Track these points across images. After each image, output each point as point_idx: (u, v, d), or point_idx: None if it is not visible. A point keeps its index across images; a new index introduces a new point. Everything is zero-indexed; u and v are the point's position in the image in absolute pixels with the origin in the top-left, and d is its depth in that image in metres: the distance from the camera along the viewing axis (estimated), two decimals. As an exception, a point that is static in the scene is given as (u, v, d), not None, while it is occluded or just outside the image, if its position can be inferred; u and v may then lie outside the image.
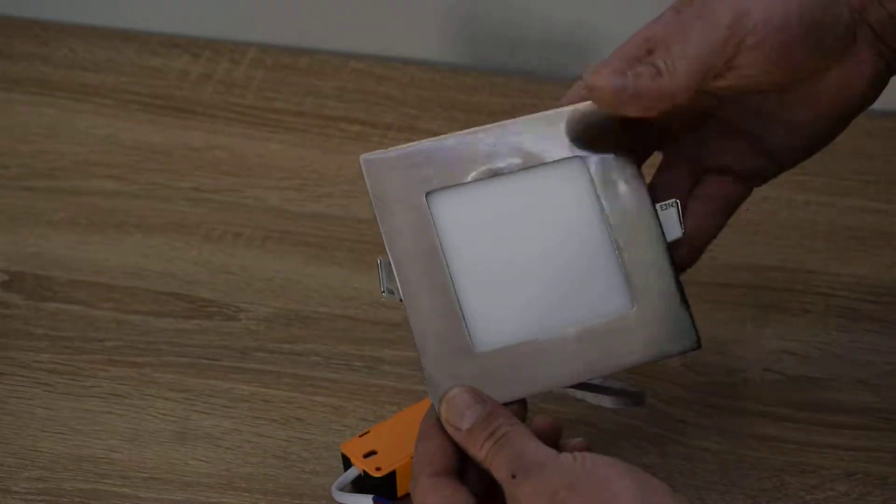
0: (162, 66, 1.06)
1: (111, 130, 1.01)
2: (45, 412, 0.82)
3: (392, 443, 0.78)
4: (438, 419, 0.67)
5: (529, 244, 0.71)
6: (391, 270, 0.71)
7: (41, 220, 0.94)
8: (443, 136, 0.73)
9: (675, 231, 0.73)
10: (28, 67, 1.06)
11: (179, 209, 0.95)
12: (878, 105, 1.05)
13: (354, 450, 0.78)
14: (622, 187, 0.73)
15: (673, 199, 0.74)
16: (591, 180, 0.73)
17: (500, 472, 0.64)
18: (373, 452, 0.77)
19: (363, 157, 0.71)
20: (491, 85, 1.06)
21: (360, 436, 0.78)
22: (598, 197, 0.73)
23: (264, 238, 0.93)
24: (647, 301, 0.72)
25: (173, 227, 0.94)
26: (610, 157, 0.73)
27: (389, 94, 1.05)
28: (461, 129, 1.02)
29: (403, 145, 0.72)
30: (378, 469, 0.76)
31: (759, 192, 0.97)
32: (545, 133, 0.73)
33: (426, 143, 0.72)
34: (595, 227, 0.72)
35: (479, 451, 0.65)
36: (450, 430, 0.66)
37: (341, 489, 0.77)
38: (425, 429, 0.67)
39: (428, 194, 0.71)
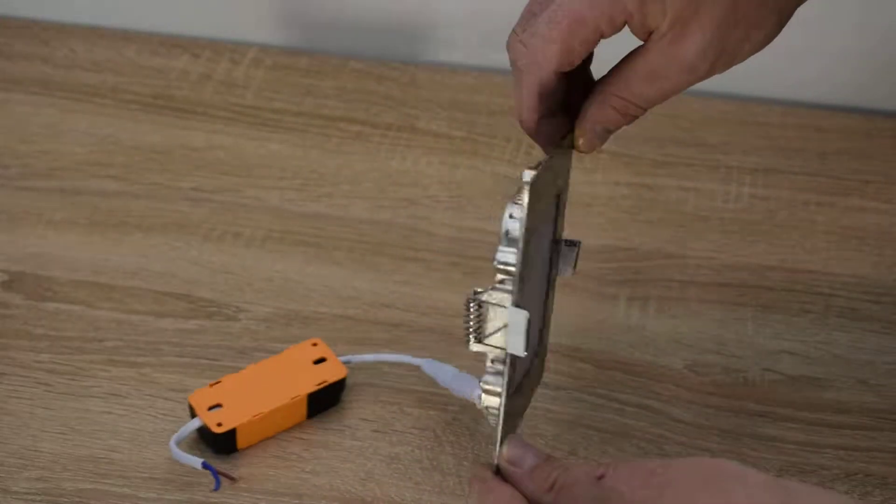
0: (162, 66, 1.07)
1: (111, 130, 1.01)
2: (45, 412, 0.82)
3: (239, 397, 0.79)
4: (496, 471, 0.68)
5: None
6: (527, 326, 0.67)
7: (41, 220, 0.94)
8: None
9: (567, 270, 0.73)
10: (28, 67, 1.06)
11: (179, 209, 0.95)
12: (877, 105, 1.06)
13: (201, 401, 0.79)
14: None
15: (578, 240, 0.73)
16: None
17: (580, 487, 0.64)
18: (219, 405, 0.79)
19: (527, 175, 0.66)
20: (491, 85, 1.06)
21: (211, 385, 0.80)
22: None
23: (264, 238, 0.93)
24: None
25: (173, 227, 0.94)
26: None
27: (389, 94, 1.05)
28: (461, 128, 1.03)
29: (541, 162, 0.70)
30: (219, 424, 0.78)
31: (758, 192, 0.98)
32: None
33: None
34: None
35: (545, 482, 0.65)
36: (509, 469, 0.67)
37: (182, 439, 0.78)
38: (490, 483, 0.67)
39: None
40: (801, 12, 0.99)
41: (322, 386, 0.80)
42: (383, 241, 0.93)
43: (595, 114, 0.70)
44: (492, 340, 0.67)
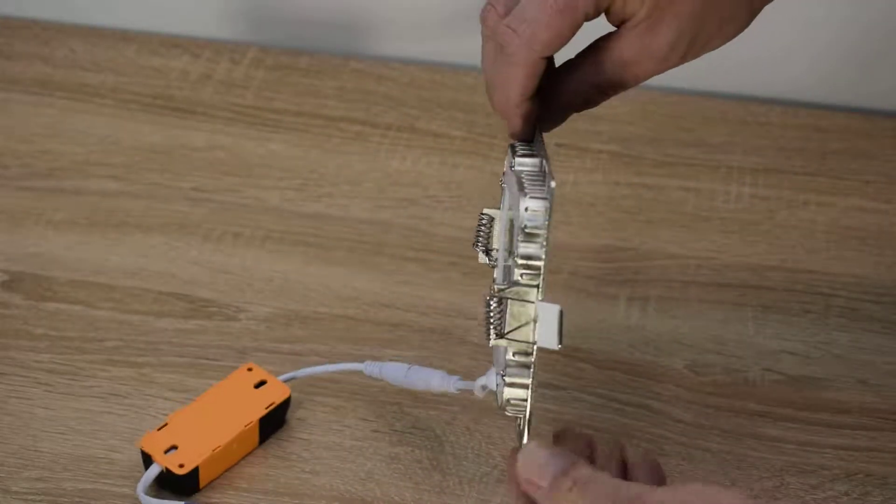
0: (162, 66, 1.06)
1: (111, 130, 1.01)
2: (45, 412, 0.82)
3: (192, 435, 0.78)
4: None
5: None
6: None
7: (41, 220, 0.94)
8: None
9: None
10: (28, 67, 1.06)
11: (179, 209, 0.95)
12: (877, 105, 1.06)
13: (154, 445, 0.78)
14: None
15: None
16: None
17: None
18: (174, 447, 0.77)
19: (525, 162, 0.69)
20: (491, 85, 1.05)
21: (158, 429, 0.78)
22: None
23: (264, 238, 0.93)
24: None
25: (173, 227, 0.94)
26: None
27: (389, 94, 1.05)
28: (461, 128, 1.03)
29: None
30: (181, 466, 0.77)
31: (758, 192, 0.98)
32: None
33: None
34: None
35: (566, 501, 0.62)
36: (530, 489, 0.63)
37: (146, 488, 0.76)
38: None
39: None
40: (801, 13, 0.99)
41: (271, 408, 0.80)
42: (383, 241, 0.93)
43: (567, 98, 0.71)
44: (516, 335, 0.67)
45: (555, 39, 0.68)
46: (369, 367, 0.80)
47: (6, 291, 0.89)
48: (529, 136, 0.71)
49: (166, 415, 0.81)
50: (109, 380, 0.84)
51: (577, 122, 1.02)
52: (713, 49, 0.70)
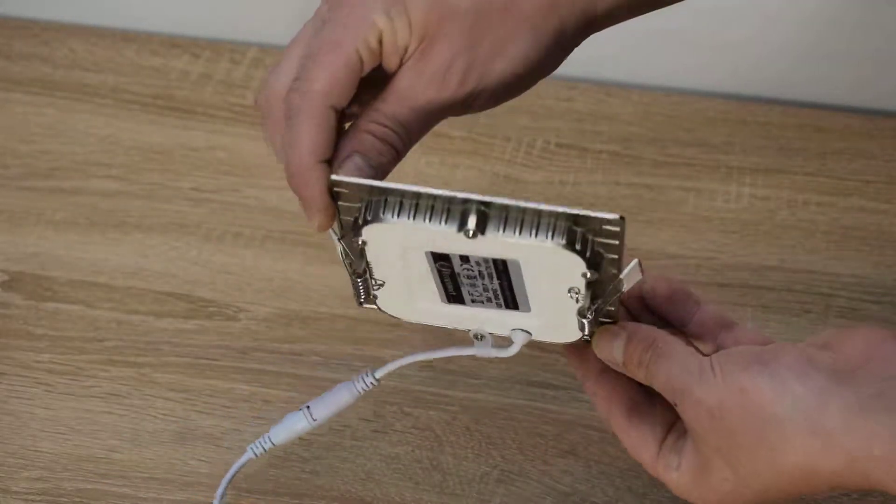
0: (162, 66, 1.06)
1: (111, 130, 1.01)
2: (45, 412, 0.82)
3: None
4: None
5: None
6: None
7: (41, 220, 0.94)
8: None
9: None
10: (28, 67, 1.06)
11: (179, 209, 0.95)
12: (877, 105, 1.06)
13: None
14: None
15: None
16: None
17: (666, 398, 0.66)
18: None
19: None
20: (491, 85, 1.05)
21: None
22: None
23: (264, 238, 0.93)
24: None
25: (173, 227, 0.94)
26: None
27: (389, 94, 1.05)
28: (461, 128, 1.02)
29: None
30: None
31: (758, 192, 0.98)
32: None
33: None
34: None
35: (643, 379, 0.67)
36: (615, 367, 0.68)
37: None
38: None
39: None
40: (800, 13, 0.99)
41: None
42: (383, 241, 0.93)
43: (348, 141, 0.68)
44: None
45: (334, 85, 0.66)
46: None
47: (6, 291, 0.89)
48: (329, 222, 0.69)
49: (166, 415, 0.82)
50: (109, 380, 0.84)
51: (577, 122, 1.02)
52: (502, 76, 0.68)
